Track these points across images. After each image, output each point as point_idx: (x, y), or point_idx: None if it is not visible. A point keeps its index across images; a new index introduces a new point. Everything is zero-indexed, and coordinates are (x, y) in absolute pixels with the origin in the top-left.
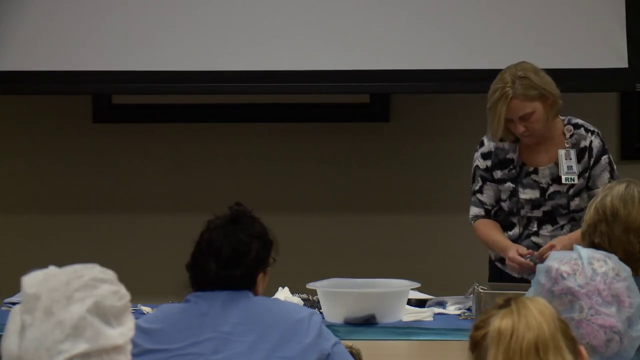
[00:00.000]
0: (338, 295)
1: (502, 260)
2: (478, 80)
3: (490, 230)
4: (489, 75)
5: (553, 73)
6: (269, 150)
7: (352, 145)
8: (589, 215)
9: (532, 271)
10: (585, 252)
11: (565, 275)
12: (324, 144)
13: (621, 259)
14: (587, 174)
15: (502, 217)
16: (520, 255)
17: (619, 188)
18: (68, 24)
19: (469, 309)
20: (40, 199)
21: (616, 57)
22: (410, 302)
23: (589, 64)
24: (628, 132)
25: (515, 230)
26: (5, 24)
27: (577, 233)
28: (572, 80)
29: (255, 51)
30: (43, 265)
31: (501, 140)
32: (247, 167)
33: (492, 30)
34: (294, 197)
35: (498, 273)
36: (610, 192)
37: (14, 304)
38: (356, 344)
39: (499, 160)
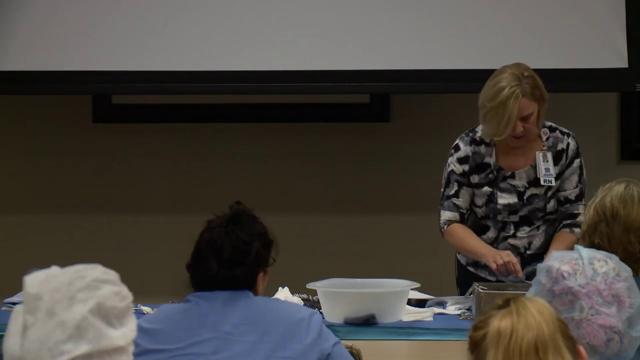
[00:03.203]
0: (338, 295)
1: (475, 264)
2: (478, 80)
3: (467, 236)
4: (489, 75)
5: (553, 73)
6: (269, 150)
7: (352, 145)
8: (588, 215)
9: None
10: (586, 252)
11: (565, 274)
12: (324, 144)
13: (621, 259)
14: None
15: (472, 220)
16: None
17: (619, 188)
18: (68, 24)
19: (469, 309)
20: (40, 199)
21: (616, 57)
22: (410, 302)
23: (589, 64)
24: (628, 132)
25: (490, 234)
26: (5, 24)
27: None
28: (572, 80)
29: (255, 51)
30: (43, 265)
31: (479, 142)
32: (247, 167)
33: (492, 31)
34: (294, 197)
35: (469, 277)
36: (609, 192)
37: (14, 303)
38: (356, 344)
39: (476, 165)
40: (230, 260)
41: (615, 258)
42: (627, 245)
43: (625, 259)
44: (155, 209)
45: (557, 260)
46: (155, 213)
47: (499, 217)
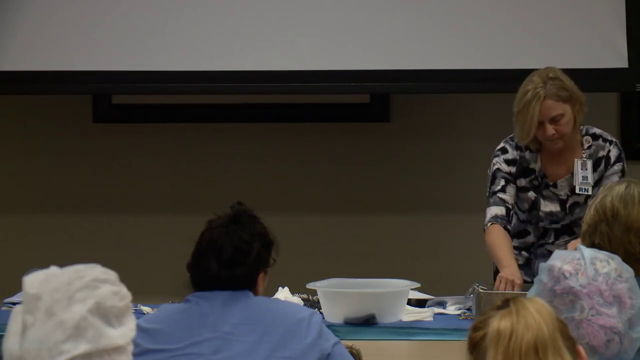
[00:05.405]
0: (338, 295)
1: None
2: (478, 80)
3: (500, 241)
4: (489, 75)
5: None
6: (269, 150)
7: (352, 145)
8: (589, 215)
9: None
10: (588, 252)
11: (567, 274)
12: (324, 144)
13: (622, 260)
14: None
15: (513, 223)
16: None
17: (619, 188)
18: (68, 24)
19: (469, 309)
20: (40, 199)
21: (616, 57)
22: (410, 302)
23: (589, 64)
24: (628, 132)
25: (529, 239)
26: (5, 24)
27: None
28: (572, 81)
29: (255, 51)
30: (43, 265)
31: (524, 148)
32: (247, 167)
33: (492, 31)
34: (294, 197)
35: None
36: (610, 192)
37: (14, 304)
38: (356, 344)
39: (522, 169)
40: (230, 260)
41: (618, 258)
42: (627, 245)
43: (626, 259)
44: (155, 209)
45: (559, 259)
46: (155, 213)
47: (541, 224)
